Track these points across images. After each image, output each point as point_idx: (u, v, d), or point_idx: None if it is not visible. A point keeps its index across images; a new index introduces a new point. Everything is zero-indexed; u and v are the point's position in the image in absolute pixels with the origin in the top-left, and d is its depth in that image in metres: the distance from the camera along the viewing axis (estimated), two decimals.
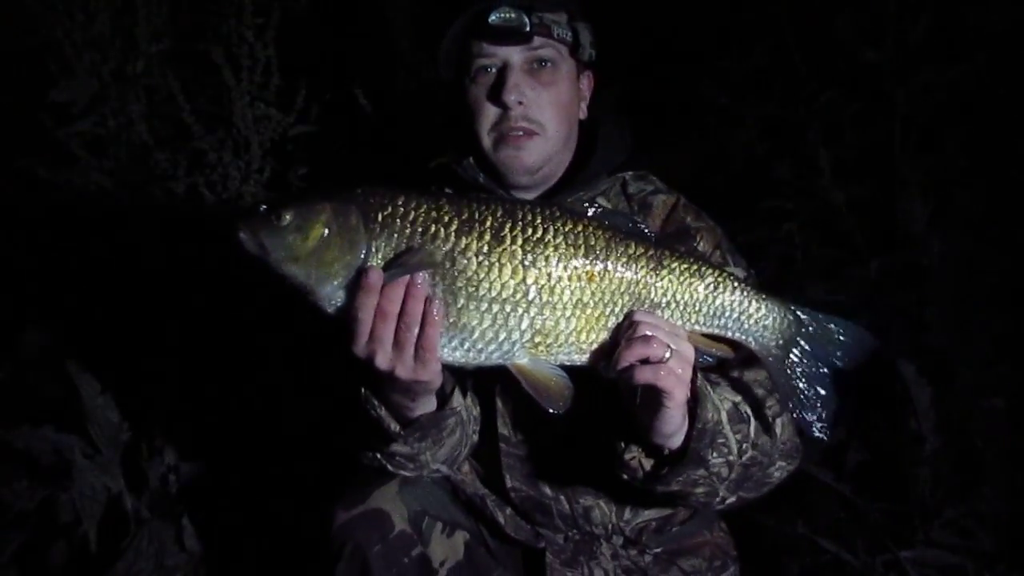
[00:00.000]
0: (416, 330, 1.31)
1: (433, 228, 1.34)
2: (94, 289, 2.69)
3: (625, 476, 1.50)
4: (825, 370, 1.44)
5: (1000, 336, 2.67)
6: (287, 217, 1.33)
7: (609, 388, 1.40)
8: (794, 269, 2.95)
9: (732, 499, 1.54)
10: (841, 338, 1.44)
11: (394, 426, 1.48)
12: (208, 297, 2.60)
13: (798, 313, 1.44)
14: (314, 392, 2.42)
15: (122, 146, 2.83)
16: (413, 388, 1.41)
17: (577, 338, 1.38)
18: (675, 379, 1.33)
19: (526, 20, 1.55)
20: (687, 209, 1.70)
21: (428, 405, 1.48)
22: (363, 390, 1.47)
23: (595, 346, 1.39)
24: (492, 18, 1.54)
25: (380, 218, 1.35)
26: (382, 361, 1.33)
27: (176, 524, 2.38)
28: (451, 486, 1.73)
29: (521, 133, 1.59)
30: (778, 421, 1.53)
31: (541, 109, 1.60)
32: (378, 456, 1.55)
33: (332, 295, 1.35)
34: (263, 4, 2.82)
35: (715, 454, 1.45)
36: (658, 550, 1.71)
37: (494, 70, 1.60)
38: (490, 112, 1.60)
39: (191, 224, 2.85)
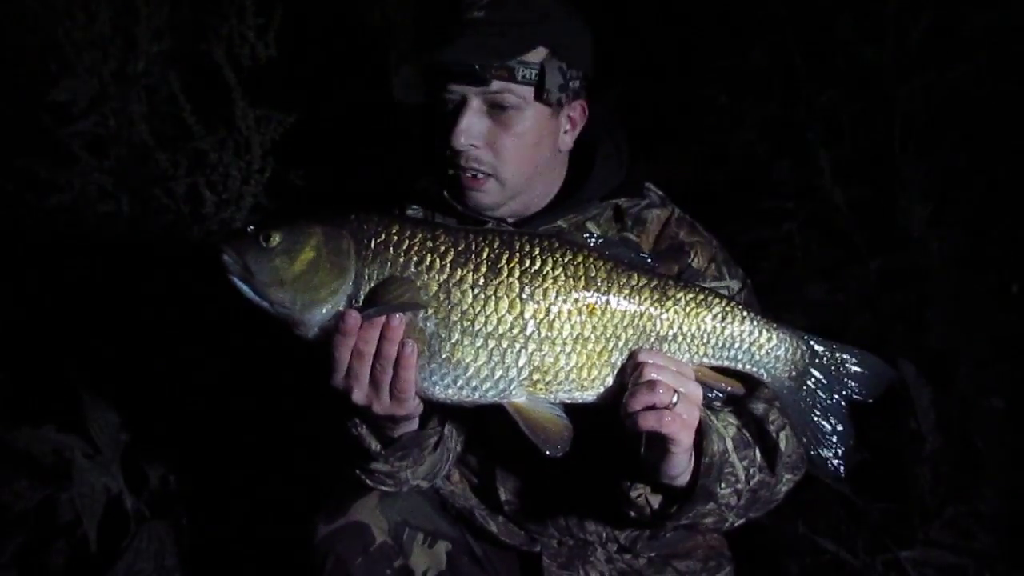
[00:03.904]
0: (391, 371, 1.27)
1: (428, 258, 1.29)
2: (94, 289, 2.68)
3: (632, 514, 1.48)
4: (841, 402, 1.37)
5: (1000, 336, 2.67)
6: (276, 238, 1.28)
7: (610, 421, 1.34)
8: (794, 269, 2.95)
9: (740, 522, 1.51)
10: (857, 368, 1.37)
11: (375, 445, 1.44)
12: (209, 298, 2.60)
13: (811, 342, 1.36)
14: (303, 399, 2.42)
15: (122, 146, 2.82)
16: (392, 419, 1.38)
17: (578, 375, 1.32)
18: (680, 424, 1.26)
19: (476, 68, 1.42)
20: (680, 223, 1.63)
21: (410, 425, 1.45)
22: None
23: (597, 383, 1.33)
24: (445, 58, 1.44)
25: (373, 245, 1.30)
26: (359, 397, 1.30)
27: (176, 524, 2.38)
28: (438, 496, 1.71)
29: (471, 176, 1.50)
30: (782, 435, 1.50)
31: (496, 153, 1.48)
32: (357, 472, 1.52)
33: (313, 325, 1.30)
34: (263, 4, 2.82)
35: (723, 485, 1.42)
36: (652, 554, 1.71)
37: (452, 105, 1.49)
38: (444, 146, 1.51)
39: (192, 224, 2.85)
